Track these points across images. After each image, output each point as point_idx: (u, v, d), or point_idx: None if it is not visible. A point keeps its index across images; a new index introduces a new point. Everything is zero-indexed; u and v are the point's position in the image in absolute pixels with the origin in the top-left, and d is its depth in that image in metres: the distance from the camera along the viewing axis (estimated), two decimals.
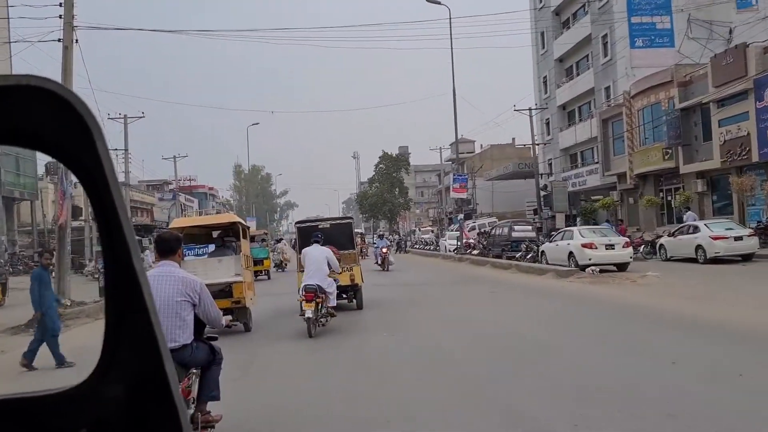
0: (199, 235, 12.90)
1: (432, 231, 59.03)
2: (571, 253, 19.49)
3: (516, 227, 25.65)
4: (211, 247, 12.20)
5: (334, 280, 11.22)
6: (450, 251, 34.43)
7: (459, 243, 32.41)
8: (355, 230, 17.47)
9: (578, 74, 44.17)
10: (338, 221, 15.34)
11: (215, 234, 12.87)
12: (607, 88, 39.27)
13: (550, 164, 47.94)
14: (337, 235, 13.78)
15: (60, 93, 0.82)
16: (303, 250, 11.47)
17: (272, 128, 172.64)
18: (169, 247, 4.66)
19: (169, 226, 14.02)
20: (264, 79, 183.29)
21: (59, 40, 15.57)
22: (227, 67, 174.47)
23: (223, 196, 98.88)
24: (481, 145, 67.37)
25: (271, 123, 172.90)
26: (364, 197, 68.46)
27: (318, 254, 10.79)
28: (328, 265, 10.73)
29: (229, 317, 6.01)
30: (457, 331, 10.18)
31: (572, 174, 43.71)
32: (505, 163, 58.31)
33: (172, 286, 4.41)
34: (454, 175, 32.54)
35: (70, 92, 0.82)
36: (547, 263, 21.13)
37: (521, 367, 7.41)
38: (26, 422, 1.01)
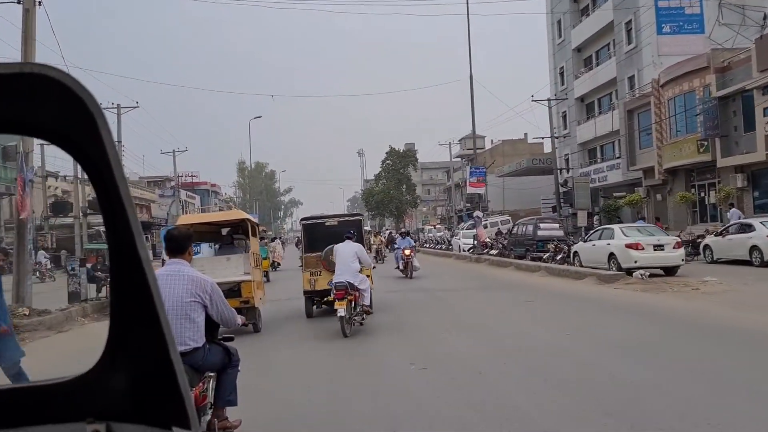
0: (207, 233, 12.47)
1: (445, 228, 56.41)
2: (612, 254, 16.97)
3: (542, 225, 23.07)
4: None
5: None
6: (465, 251, 31.89)
7: (476, 242, 29.86)
8: (365, 228, 16.39)
9: (598, 64, 41.57)
10: (346, 218, 13.88)
11: (224, 231, 12.46)
12: (631, 78, 36.66)
13: (567, 159, 45.34)
14: (345, 233, 12.28)
15: (63, 80, 0.80)
16: (334, 247, 10.93)
17: (276, 124, 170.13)
18: (179, 245, 4.36)
19: (177, 223, 13.47)
20: (266, 68, 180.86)
21: (19, 2, 13.12)
22: (230, 53, 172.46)
23: (226, 193, 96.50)
24: (492, 141, 64.83)
25: (274, 119, 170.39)
26: (370, 194, 65.95)
27: (347, 250, 10.46)
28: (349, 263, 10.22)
29: (243, 317, 5.73)
30: (505, 359, 7.68)
31: (591, 170, 41.15)
32: (516, 159, 55.79)
33: (182, 286, 4.16)
34: (471, 168, 30.01)
35: (73, 80, 0.81)
36: (581, 265, 18.61)
37: (606, 415, 4.91)
38: (33, 410, 1.03)
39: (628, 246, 16.41)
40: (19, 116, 0.91)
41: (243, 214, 12.30)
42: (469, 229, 35.41)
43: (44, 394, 1.05)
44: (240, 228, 12.14)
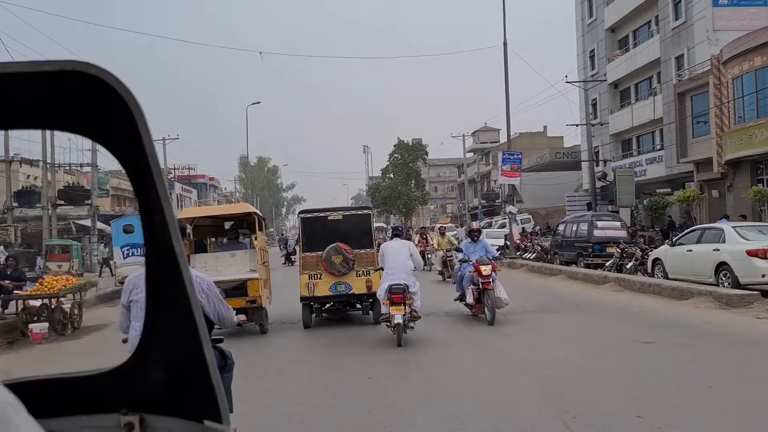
0: (211, 227, 11.97)
1: (457, 227, 51.47)
2: (723, 264, 12.16)
3: (599, 223, 18.10)
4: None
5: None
6: None
7: (507, 243, 25.01)
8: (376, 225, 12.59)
9: (636, 45, 36.70)
10: (353, 212, 11.65)
11: (227, 225, 11.78)
12: (679, 58, 31.78)
13: (597, 152, 40.47)
14: (351, 230, 10.92)
15: (103, 78, 0.80)
16: (382, 245, 9.98)
17: (277, 116, 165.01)
18: None
19: (179, 216, 11.93)
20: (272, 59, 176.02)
21: None
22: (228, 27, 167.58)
23: (225, 188, 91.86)
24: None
25: (276, 111, 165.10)
26: (376, 190, 61.06)
27: (400, 248, 9.45)
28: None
29: (243, 316, 4.83)
30: None
31: (625, 163, 36.31)
32: (535, 154, 50.95)
33: None
34: (503, 154, 25.14)
35: (114, 77, 0.81)
36: (666, 277, 13.83)
37: None
38: (69, 401, 1.05)
39: (752, 253, 11.59)
40: (61, 112, 0.90)
41: (249, 207, 11.45)
42: (500, 228, 30.44)
43: (80, 385, 1.07)
44: (245, 222, 11.57)
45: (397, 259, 9.16)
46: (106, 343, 9.50)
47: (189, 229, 10.96)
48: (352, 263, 10.46)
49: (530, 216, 44.03)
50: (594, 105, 40.84)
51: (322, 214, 11.21)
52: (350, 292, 10.52)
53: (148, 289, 1.03)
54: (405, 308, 8.65)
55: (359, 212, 11.59)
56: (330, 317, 11.30)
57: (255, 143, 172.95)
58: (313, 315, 10.85)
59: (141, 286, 3.75)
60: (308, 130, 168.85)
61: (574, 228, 19.12)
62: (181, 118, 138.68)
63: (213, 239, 12.44)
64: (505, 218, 44.58)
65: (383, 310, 9.13)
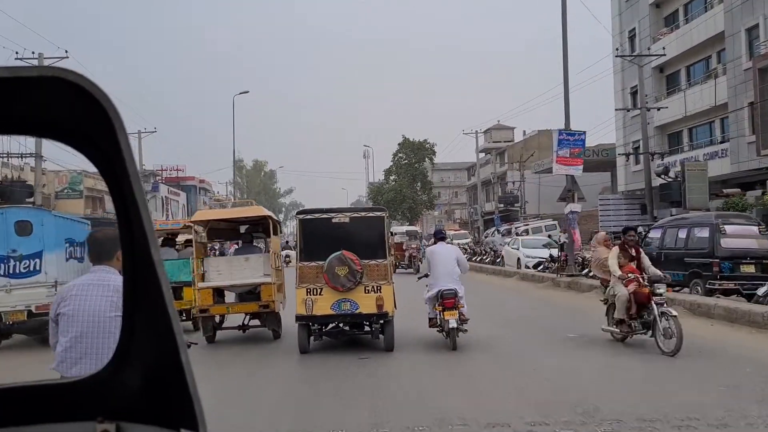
0: (224, 230, 12.05)
1: (471, 234, 45.31)
2: None
3: (728, 228, 11.65)
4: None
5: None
6: (529, 267, 20.96)
7: (560, 255, 18.69)
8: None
9: (688, 20, 30.72)
10: (362, 214, 9.91)
11: (242, 229, 11.86)
12: (752, 30, 25.75)
13: (638, 148, 34.40)
14: (359, 236, 9.27)
15: (82, 84, 0.80)
16: (428, 249, 9.92)
17: (272, 116, 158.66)
18: (102, 249, 3.49)
19: (192, 219, 11.83)
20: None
21: None
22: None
23: (218, 192, 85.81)
24: (524, 132, 53.89)
25: (269, 111, 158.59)
26: (378, 192, 54.88)
27: (448, 253, 9.38)
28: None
29: (194, 340, 4.68)
30: None
31: (675, 160, 30.22)
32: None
33: (104, 297, 3.35)
34: (559, 134, 19.09)
35: (92, 84, 0.81)
36: None
37: None
38: (44, 408, 1.03)
39: None
40: (38, 119, 0.90)
41: (264, 211, 11.32)
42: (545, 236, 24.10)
43: (56, 393, 1.05)
44: (260, 226, 11.42)
45: (445, 265, 9.08)
46: None
47: (202, 232, 10.98)
48: (359, 276, 8.93)
49: (556, 222, 38.02)
50: (633, 94, 34.76)
51: (324, 216, 9.56)
52: (356, 311, 8.97)
53: (126, 295, 1.01)
54: (456, 312, 8.69)
55: (370, 214, 10.04)
56: (331, 339, 9.47)
57: (250, 146, 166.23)
58: (311, 337, 9.28)
59: (70, 299, 3.32)
60: (305, 131, 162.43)
61: (682, 236, 12.80)
62: (167, 116, 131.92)
63: (227, 242, 12.45)
64: (526, 224, 38.55)
65: (431, 314, 9.26)
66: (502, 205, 42.49)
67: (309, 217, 9.52)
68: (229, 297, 10.91)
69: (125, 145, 0.83)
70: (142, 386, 1.00)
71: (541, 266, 20.00)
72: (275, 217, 11.06)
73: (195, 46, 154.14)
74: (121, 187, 0.87)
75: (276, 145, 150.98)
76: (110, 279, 3.40)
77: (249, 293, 10.03)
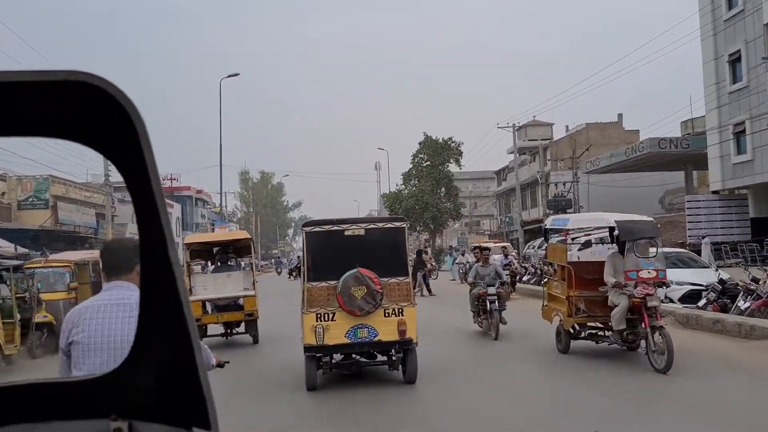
0: (203, 251, 13.57)
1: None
2: None
3: None
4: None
5: None
6: (673, 300, 12.41)
7: (734, 282, 10.28)
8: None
9: None
10: (380, 225, 8.64)
11: (215, 250, 13.12)
12: None
13: (740, 133, 25.84)
14: (378, 250, 8.15)
15: (105, 89, 0.82)
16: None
17: (280, 128, 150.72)
18: (118, 261, 2.83)
19: (186, 241, 13.51)
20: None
21: None
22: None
23: (217, 204, 77.90)
24: (567, 127, 45.42)
25: (278, 121, 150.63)
26: (396, 199, 46.50)
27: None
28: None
29: (221, 360, 3.92)
30: None
31: None
32: (607, 150, 36.32)
33: (125, 319, 2.68)
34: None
35: (116, 88, 0.83)
36: None
37: None
38: (58, 406, 1.04)
39: None
40: (63, 122, 0.92)
41: (247, 234, 14.07)
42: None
43: (69, 390, 1.06)
44: (231, 247, 12.98)
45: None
46: None
47: (186, 255, 12.41)
48: (379, 297, 7.66)
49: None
50: (732, 63, 26.25)
51: (335, 228, 8.11)
52: (376, 338, 7.69)
53: (142, 295, 1.02)
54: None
55: (389, 225, 8.61)
56: (344, 372, 8.32)
57: (257, 159, 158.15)
58: (320, 371, 8.04)
59: (84, 323, 2.69)
60: (316, 141, 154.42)
61: None
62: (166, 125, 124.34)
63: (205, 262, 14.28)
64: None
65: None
66: (551, 211, 33.96)
67: (317, 229, 8.21)
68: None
69: (147, 150, 0.84)
70: (155, 385, 0.99)
71: (703, 300, 11.36)
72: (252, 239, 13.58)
73: (196, 46, 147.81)
74: (141, 192, 0.87)
75: (284, 157, 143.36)
76: (130, 297, 2.79)
77: (234, 304, 11.60)
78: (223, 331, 12.00)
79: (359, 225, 8.29)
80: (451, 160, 45.57)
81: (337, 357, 8.18)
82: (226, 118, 74.02)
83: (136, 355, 1.02)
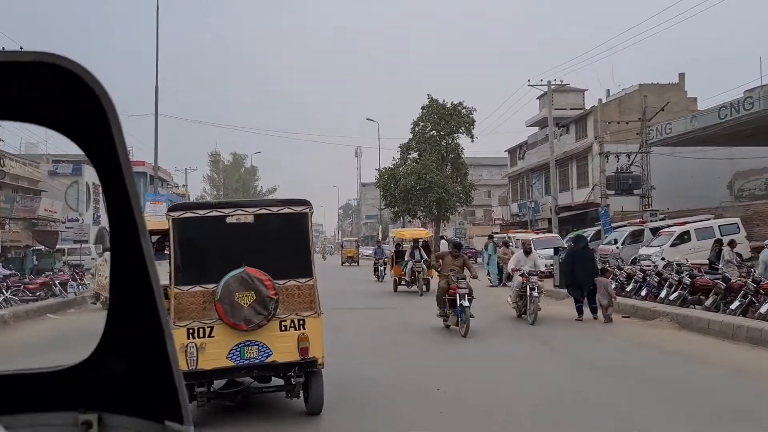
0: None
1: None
2: None
3: None
4: None
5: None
6: None
7: None
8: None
9: None
10: (274, 210, 6.35)
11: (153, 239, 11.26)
12: None
13: None
14: (271, 244, 6.48)
15: (75, 71, 0.79)
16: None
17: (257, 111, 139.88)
18: None
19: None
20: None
21: None
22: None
23: (179, 185, 67.78)
24: (608, 92, 36.26)
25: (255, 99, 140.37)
26: (391, 178, 37.10)
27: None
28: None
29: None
30: None
31: None
32: (666, 118, 27.32)
33: None
34: None
35: (86, 71, 0.80)
36: None
37: None
38: (25, 398, 1.00)
39: None
40: (30, 105, 0.88)
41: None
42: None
43: (37, 383, 1.01)
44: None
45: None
46: None
47: None
48: (273, 306, 5.86)
49: (738, 220, 20.87)
50: None
51: (214, 213, 6.21)
52: (268, 360, 5.91)
53: (113, 287, 0.97)
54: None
55: (287, 209, 6.34)
56: (228, 402, 6.30)
57: (229, 138, 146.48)
58: (195, 402, 5.74)
59: None
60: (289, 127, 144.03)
61: None
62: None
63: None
64: (683, 224, 21.07)
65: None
66: (612, 192, 24.67)
67: (189, 215, 6.16)
68: None
69: (117, 134, 0.81)
70: (126, 377, 0.96)
71: None
72: None
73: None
74: (111, 177, 0.83)
75: (261, 137, 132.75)
76: None
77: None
78: None
79: (246, 209, 6.31)
80: (462, 130, 36.19)
81: (219, 383, 6.23)
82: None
83: (104, 346, 0.95)
